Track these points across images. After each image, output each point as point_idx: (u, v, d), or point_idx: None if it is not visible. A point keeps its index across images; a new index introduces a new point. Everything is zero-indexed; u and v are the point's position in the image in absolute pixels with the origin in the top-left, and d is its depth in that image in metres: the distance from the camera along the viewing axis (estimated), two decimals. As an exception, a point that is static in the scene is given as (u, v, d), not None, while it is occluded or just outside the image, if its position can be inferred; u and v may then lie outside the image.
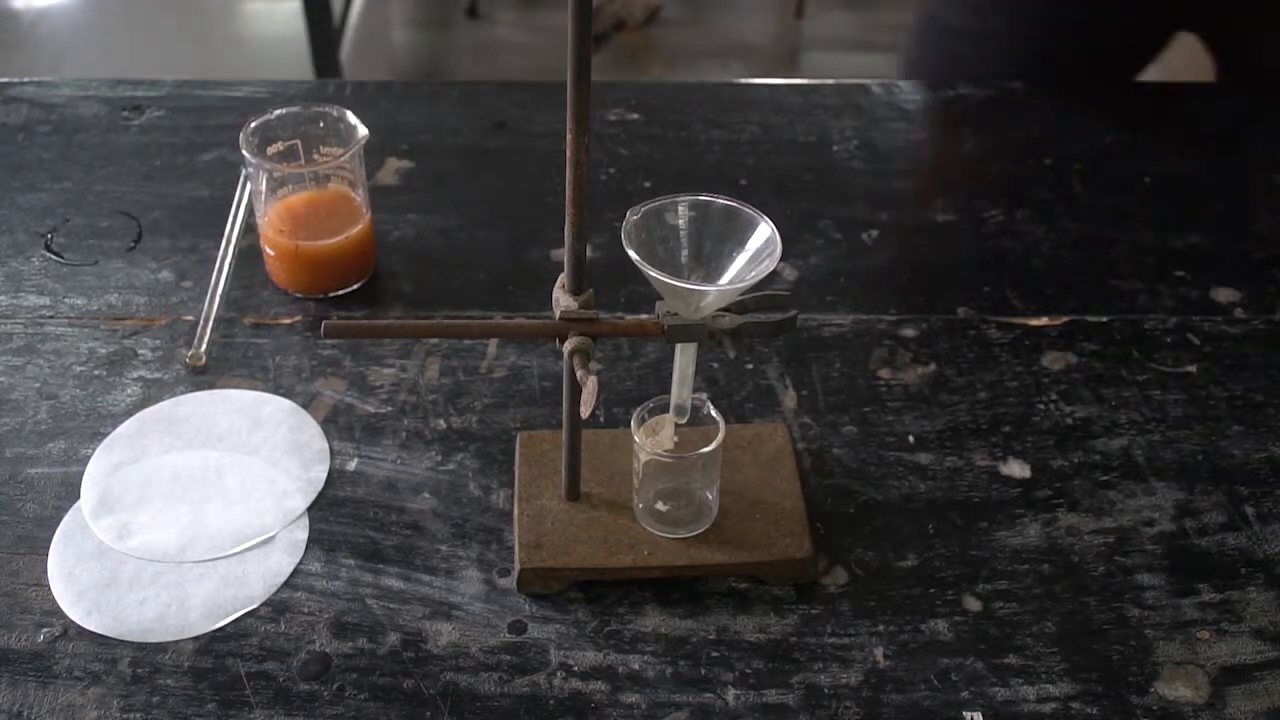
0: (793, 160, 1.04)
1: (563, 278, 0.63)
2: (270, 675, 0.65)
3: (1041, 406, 0.81)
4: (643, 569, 0.69)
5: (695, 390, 0.67)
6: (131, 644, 0.66)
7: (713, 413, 0.68)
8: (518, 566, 0.68)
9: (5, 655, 0.65)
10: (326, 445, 0.76)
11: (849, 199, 0.99)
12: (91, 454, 0.75)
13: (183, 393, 0.79)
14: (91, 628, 0.66)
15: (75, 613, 0.67)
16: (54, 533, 0.71)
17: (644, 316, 0.64)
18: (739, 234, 0.61)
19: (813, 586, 0.70)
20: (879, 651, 0.67)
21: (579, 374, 0.60)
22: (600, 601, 0.69)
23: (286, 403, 0.79)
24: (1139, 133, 1.05)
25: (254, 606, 0.68)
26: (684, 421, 0.67)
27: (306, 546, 0.71)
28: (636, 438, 0.67)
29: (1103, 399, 0.81)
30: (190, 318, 0.85)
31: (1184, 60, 1.21)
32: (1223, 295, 0.89)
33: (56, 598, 0.68)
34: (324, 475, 0.74)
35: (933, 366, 0.83)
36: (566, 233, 0.60)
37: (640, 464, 0.68)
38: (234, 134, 0.84)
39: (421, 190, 0.97)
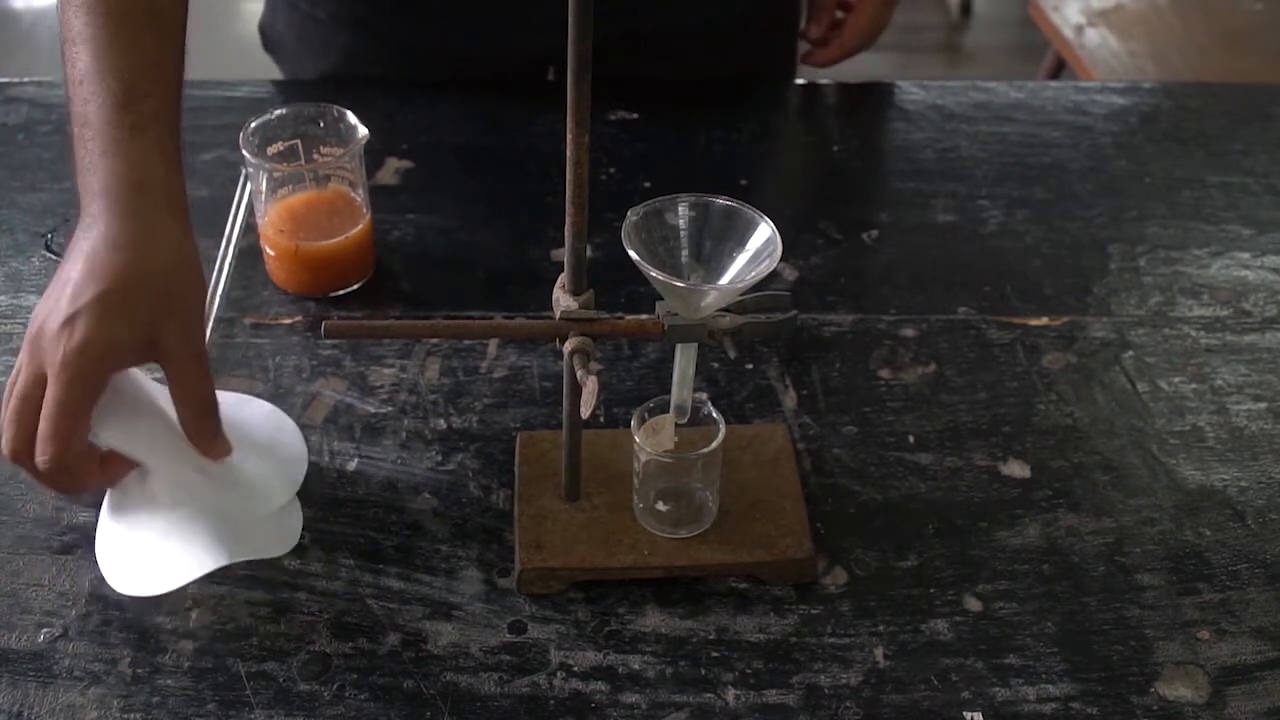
0: (793, 160, 1.04)
1: (563, 278, 0.63)
2: (270, 675, 0.65)
3: (1041, 406, 0.81)
4: (643, 569, 0.69)
5: (695, 390, 0.67)
6: (132, 644, 0.66)
7: (713, 413, 0.68)
8: (518, 566, 0.68)
9: (5, 655, 0.65)
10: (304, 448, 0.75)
11: (849, 199, 0.99)
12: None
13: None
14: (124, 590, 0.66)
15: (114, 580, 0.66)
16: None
17: (644, 316, 0.64)
18: (739, 234, 0.61)
19: (813, 586, 0.70)
20: (879, 651, 0.67)
21: (579, 374, 0.61)
22: (600, 601, 0.69)
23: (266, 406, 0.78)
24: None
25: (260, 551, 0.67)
26: (684, 421, 0.67)
27: (307, 547, 0.71)
28: (636, 438, 0.67)
29: (1102, 399, 0.81)
30: (190, 318, 0.84)
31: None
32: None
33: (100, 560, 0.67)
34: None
35: (933, 366, 0.83)
36: (567, 233, 0.60)
37: (640, 464, 0.68)
38: (234, 134, 0.84)
39: (421, 190, 0.97)
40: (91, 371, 0.63)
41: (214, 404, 0.68)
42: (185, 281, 0.67)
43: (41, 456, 0.63)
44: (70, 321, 0.62)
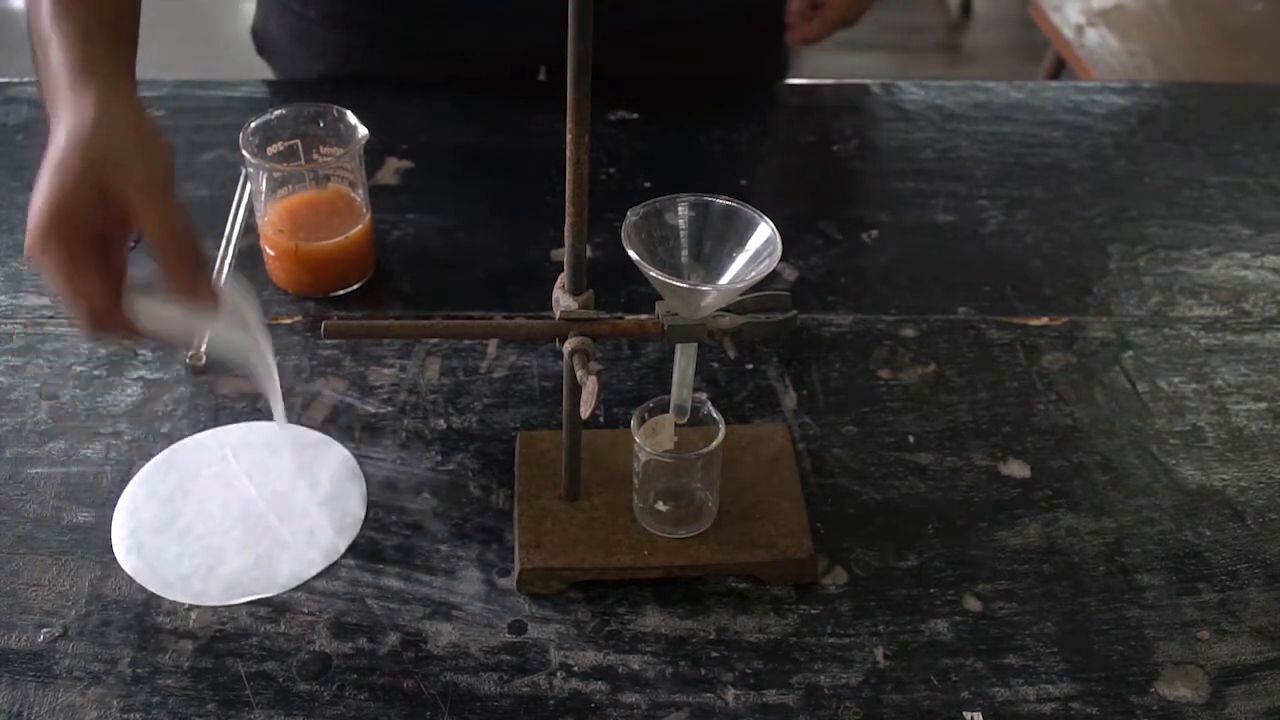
0: (793, 160, 1.04)
1: (563, 278, 0.63)
2: (270, 675, 0.65)
3: (1041, 406, 0.81)
4: (643, 569, 0.69)
5: (695, 390, 0.67)
6: (132, 644, 0.66)
7: (713, 413, 0.68)
8: (518, 566, 0.68)
9: (5, 655, 0.65)
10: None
11: (849, 199, 0.99)
12: (90, 453, 0.75)
13: (184, 392, 0.79)
14: (126, 569, 0.69)
15: (120, 549, 0.70)
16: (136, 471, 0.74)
17: (644, 316, 0.64)
18: (739, 234, 0.61)
19: (813, 586, 0.70)
20: (879, 651, 0.67)
21: (579, 374, 0.60)
22: (600, 601, 0.69)
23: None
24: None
25: (272, 594, 0.68)
26: (684, 421, 0.67)
27: (306, 546, 0.71)
28: (636, 438, 0.67)
29: (1102, 399, 0.81)
30: (190, 318, 0.84)
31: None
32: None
33: (113, 530, 0.70)
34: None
35: (933, 366, 0.83)
36: (566, 233, 0.60)
37: (640, 464, 0.68)
38: (234, 134, 0.84)
39: (421, 190, 0.97)
40: (54, 237, 0.64)
41: (191, 245, 0.66)
42: (124, 132, 0.67)
43: (78, 326, 0.67)
44: (32, 208, 0.65)
